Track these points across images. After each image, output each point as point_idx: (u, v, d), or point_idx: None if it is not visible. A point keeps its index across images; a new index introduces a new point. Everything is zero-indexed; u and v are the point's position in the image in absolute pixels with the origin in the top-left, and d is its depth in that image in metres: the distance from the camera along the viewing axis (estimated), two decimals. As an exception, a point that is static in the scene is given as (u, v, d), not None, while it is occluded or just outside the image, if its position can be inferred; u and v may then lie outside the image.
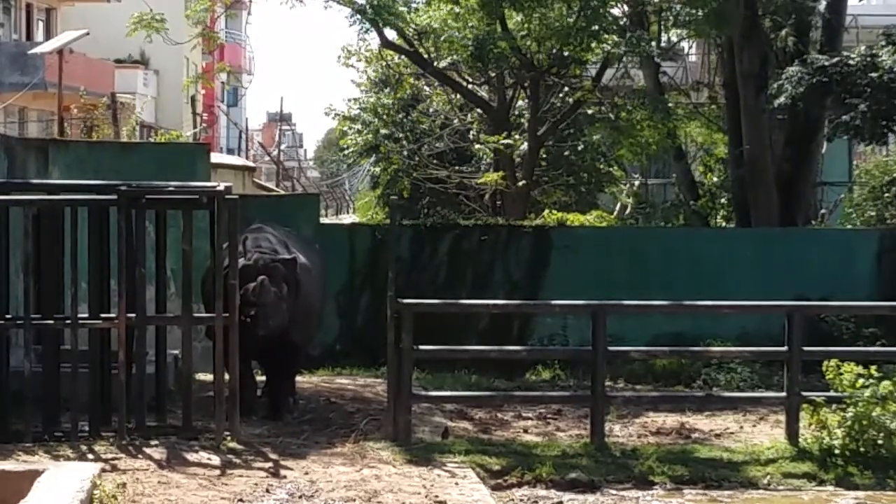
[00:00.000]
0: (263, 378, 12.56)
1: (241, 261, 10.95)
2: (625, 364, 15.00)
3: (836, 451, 10.75)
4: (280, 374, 12.05)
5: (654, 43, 19.99)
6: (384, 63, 23.85)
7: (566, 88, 21.55)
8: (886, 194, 20.27)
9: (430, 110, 25.19)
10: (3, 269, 10.63)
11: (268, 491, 8.92)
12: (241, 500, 8.68)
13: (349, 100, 26.37)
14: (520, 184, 20.69)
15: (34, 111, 36.72)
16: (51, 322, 10.52)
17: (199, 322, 10.97)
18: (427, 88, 25.11)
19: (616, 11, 20.64)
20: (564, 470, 10.27)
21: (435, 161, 24.43)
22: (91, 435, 10.31)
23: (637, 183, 28.44)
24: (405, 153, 24.15)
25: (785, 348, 11.51)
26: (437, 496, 9.02)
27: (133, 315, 10.43)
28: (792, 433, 11.25)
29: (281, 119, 62.01)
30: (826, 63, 17.86)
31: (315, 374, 14.61)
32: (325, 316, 14.11)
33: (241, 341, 10.61)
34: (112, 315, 10.64)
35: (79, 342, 10.42)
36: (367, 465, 9.91)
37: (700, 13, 18.60)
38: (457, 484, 9.46)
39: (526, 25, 19.46)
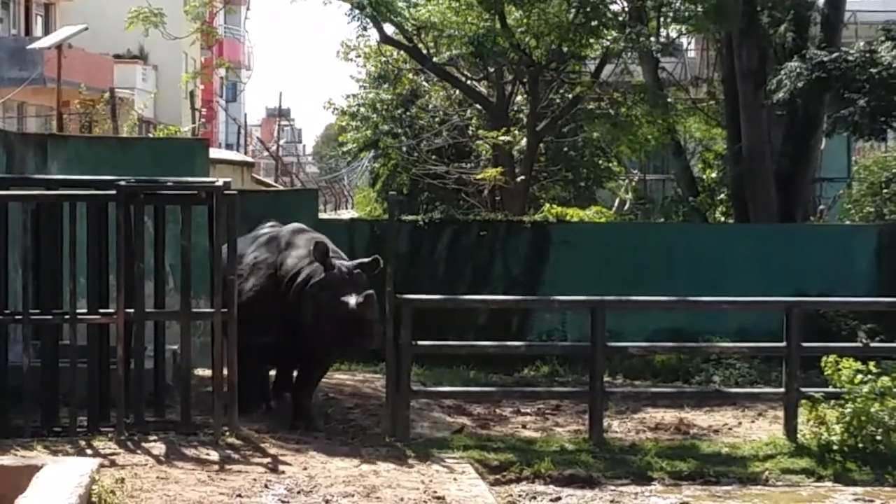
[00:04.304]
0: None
1: (312, 264, 10.76)
2: (623, 360, 14.99)
3: (835, 447, 10.75)
4: (308, 378, 11.60)
5: (653, 38, 20.01)
6: (383, 58, 23.86)
7: (565, 84, 21.55)
8: (885, 190, 20.29)
9: (429, 106, 25.19)
10: (2, 265, 10.62)
11: (266, 486, 8.91)
12: (239, 495, 8.67)
13: (348, 95, 26.35)
14: (519, 179, 20.70)
15: (33, 106, 36.75)
16: (49, 317, 10.51)
17: (198, 317, 10.95)
18: (426, 84, 25.10)
19: (615, 7, 20.67)
20: (563, 465, 10.26)
21: (434, 157, 24.42)
22: (90, 430, 10.29)
23: (636, 178, 28.46)
24: (404, 149, 24.16)
25: (783, 344, 11.50)
26: (435, 492, 9.01)
27: (132, 310, 10.43)
28: (790, 429, 11.25)
29: (280, 114, 61.83)
30: (825, 59, 17.87)
31: (314, 370, 14.59)
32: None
33: (287, 352, 10.85)
34: (111, 310, 10.63)
35: (77, 337, 10.41)
36: (365, 460, 9.92)
37: (699, 9, 18.63)
38: (455, 479, 9.46)
39: (525, 21, 19.46)
